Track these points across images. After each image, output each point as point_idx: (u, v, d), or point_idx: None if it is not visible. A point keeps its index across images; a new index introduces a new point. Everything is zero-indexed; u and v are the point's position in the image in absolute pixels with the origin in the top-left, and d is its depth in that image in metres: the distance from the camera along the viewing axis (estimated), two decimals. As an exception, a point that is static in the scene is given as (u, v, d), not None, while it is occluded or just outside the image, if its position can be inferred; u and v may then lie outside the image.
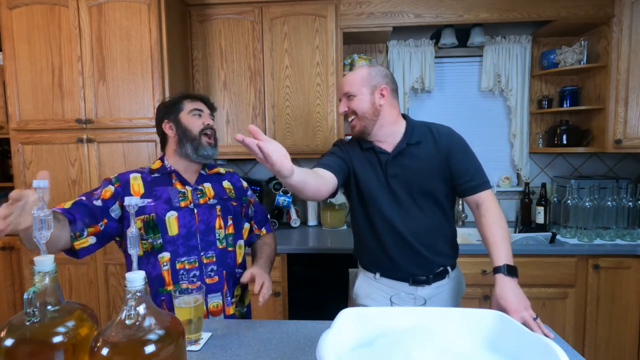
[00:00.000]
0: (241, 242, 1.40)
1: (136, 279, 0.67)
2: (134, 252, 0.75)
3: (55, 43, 2.06)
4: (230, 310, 1.32)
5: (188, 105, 1.34)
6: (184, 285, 1.24)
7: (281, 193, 2.48)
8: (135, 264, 0.73)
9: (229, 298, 1.32)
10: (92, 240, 1.19)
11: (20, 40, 2.07)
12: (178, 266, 1.24)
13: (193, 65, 2.41)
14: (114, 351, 0.62)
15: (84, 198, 1.22)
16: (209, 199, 1.33)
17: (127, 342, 0.63)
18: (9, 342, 0.66)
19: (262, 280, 1.23)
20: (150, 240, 1.24)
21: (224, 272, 1.31)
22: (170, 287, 1.23)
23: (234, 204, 1.38)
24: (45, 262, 0.70)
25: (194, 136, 1.31)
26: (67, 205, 1.18)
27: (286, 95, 2.38)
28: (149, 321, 0.66)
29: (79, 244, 1.16)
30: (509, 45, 2.52)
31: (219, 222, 1.31)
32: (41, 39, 2.06)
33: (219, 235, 1.31)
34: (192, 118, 1.32)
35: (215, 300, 1.28)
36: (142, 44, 2.04)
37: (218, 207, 1.33)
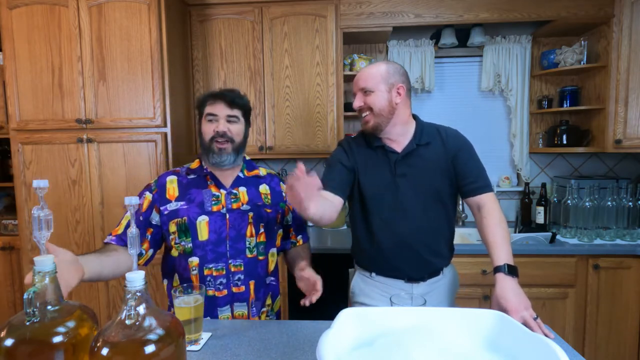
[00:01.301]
0: (274, 250, 1.36)
1: (136, 279, 0.67)
2: (134, 252, 0.75)
3: (55, 43, 2.06)
4: (256, 319, 1.30)
5: (207, 109, 1.29)
6: (210, 292, 1.23)
7: (281, 193, 2.47)
8: (135, 264, 0.74)
9: (254, 309, 1.29)
10: (150, 252, 1.28)
11: (20, 40, 2.07)
12: (206, 272, 1.23)
13: (193, 65, 2.41)
14: (114, 351, 0.62)
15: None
16: (242, 204, 1.29)
17: (127, 342, 0.63)
18: (9, 342, 0.66)
19: (316, 279, 1.17)
20: (183, 244, 1.24)
21: (252, 282, 1.27)
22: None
23: (269, 210, 1.32)
24: (45, 262, 0.70)
25: (205, 144, 1.28)
26: (120, 230, 1.24)
27: (286, 95, 2.38)
28: (149, 321, 0.66)
29: (142, 261, 1.26)
30: (509, 45, 2.52)
31: (250, 229, 1.28)
32: (41, 39, 2.06)
33: (249, 244, 1.27)
34: (207, 124, 1.28)
35: (241, 310, 1.27)
36: (142, 44, 2.04)
37: (251, 214, 1.28)
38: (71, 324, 0.70)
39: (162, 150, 2.07)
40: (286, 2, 2.32)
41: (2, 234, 2.44)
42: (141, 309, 0.67)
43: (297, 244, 1.46)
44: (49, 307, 0.70)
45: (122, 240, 1.22)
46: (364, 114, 1.32)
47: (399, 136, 1.33)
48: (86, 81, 2.07)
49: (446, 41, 2.53)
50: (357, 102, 1.31)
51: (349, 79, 2.53)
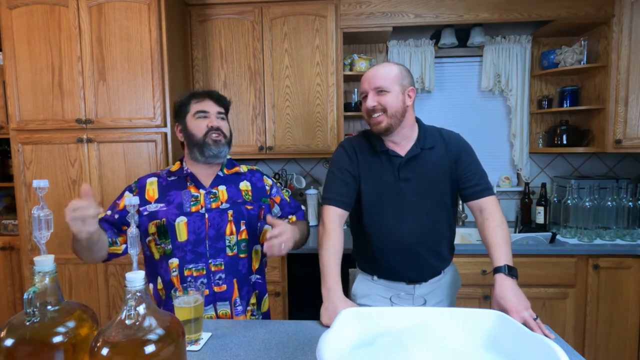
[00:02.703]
0: (257, 247, 1.35)
1: (136, 279, 0.67)
2: (134, 252, 0.75)
3: (55, 43, 2.06)
4: (241, 318, 1.29)
5: (194, 107, 1.29)
6: (191, 293, 1.22)
7: (281, 193, 2.47)
8: (135, 264, 0.74)
9: (239, 307, 1.28)
10: (123, 247, 1.26)
11: (20, 40, 2.07)
12: (186, 273, 1.23)
13: (193, 65, 2.40)
14: (114, 351, 0.62)
15: (108, 213, 1.27)
16: (222, 202, 1.28)
17: (127, 342, 0.63)
18: (9, 342, 0.66)
19: (282, 229, 1.12)
20: (162, 245, 1.25)
21: (234, 279, 1.27)
22: (180, 294, 1.23)
23: (249, 207, 1.31)
24: (45, 262, 0.70)
25: (198, 140, 1.27)
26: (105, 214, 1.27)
27: (286, 95, 2.38)
28: (149, 321, 0.66)
29: (113, 250, 1.24)
30: (509, 45, 2.52)
31: (230, 227, 1.27)
32: (41, 39, 2.06)
33: (229, 242, 1.27)
34: (197, 121, 1.28)
35: (224, 309, 1.26)
36: (142, 44, 2.04)
37: (230, 212, 1.28)
38: (71, 324, 0.70)
39: (162, 150, 2.07)
40: (286, 2, 2.32)
41: (2, 234, 2.44)
42: (141, 309, 0.67)
43: (290, 220, 1.43)
44: (49, 307, 0.70)
45: (104, 222, 1.24)
46: (376, 115, 1.27)
47: (403, 139, 1.32)
48: (86, 81, 2.07)
49: (446, 41, 2.53)
50: (370, 102, 1.26)
51: (349, 79, 2.53)
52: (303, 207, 1.51)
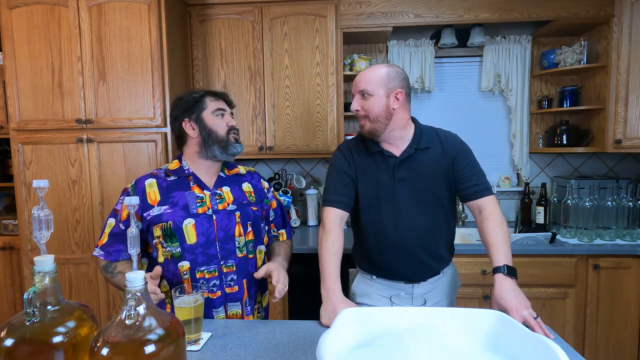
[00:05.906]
0: (261, 247, 1.36)
1: (136, 279, 0.67)
2: (134, 252, 0.75)
3: (55, 43, 2.06)
4: (250, 318, 1.30)
5: (211, 104, 1.28)
6: (204, 295, 1.22)
7: (281, 193, 2.48)
8: (135, 264, 0.74)
9: (248, 307, 1.29)
10: (145, 262, 1.30)
11: (20, 40, 2.07)
12: (198, 275, 1.22)
13: (193, 65, 2.40)
14: (114, 351, 0.62)
15: (113, 222, 1.25)
16: (228, 204, 1.28)
17: (127, 342, 0.63)
18: (9, 342, 0.66)
19: (279, 275, 1.21)
20: (168, 249, 1.22)
21: (244, 280, 1.27)
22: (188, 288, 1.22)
23: (254, 208, 1.32)
24: (45, 262, 0.70)
25: (222, 137, 1.27)
26: (104, 240, 1.24)
27: (286, 95, 2.38)
28: (149, 321, 0.66)
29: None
30: (509, 45, 2.52)
31: (238, 229, 1.27)
32: (41, 39, 2.06)
33: (238, 243, 1.26)
34: (217, 119, 1.27)
35: (235, 309, 1.26)
36: (142, 44, 2.04)
37: (237, 214, 1.27)
38: (71, 324, 0.70)
39: (162, 150, 2.07)
40: (286, 2, 2.32)
41: (2, 234, 2.44)
42: (141, 309, 0.67)
43: (280, 239, 1.46)
44: (49, 307, 0.70)
45: (109, 254, 1.24)
46: (360, 118, 1.31)
47: (397, 140, 1.32)
48: (86, 81, 2.07)
49: (446, 41, 2.53)
50: (355, 105, 1.31)
51: (349, 79, 2.53)
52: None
